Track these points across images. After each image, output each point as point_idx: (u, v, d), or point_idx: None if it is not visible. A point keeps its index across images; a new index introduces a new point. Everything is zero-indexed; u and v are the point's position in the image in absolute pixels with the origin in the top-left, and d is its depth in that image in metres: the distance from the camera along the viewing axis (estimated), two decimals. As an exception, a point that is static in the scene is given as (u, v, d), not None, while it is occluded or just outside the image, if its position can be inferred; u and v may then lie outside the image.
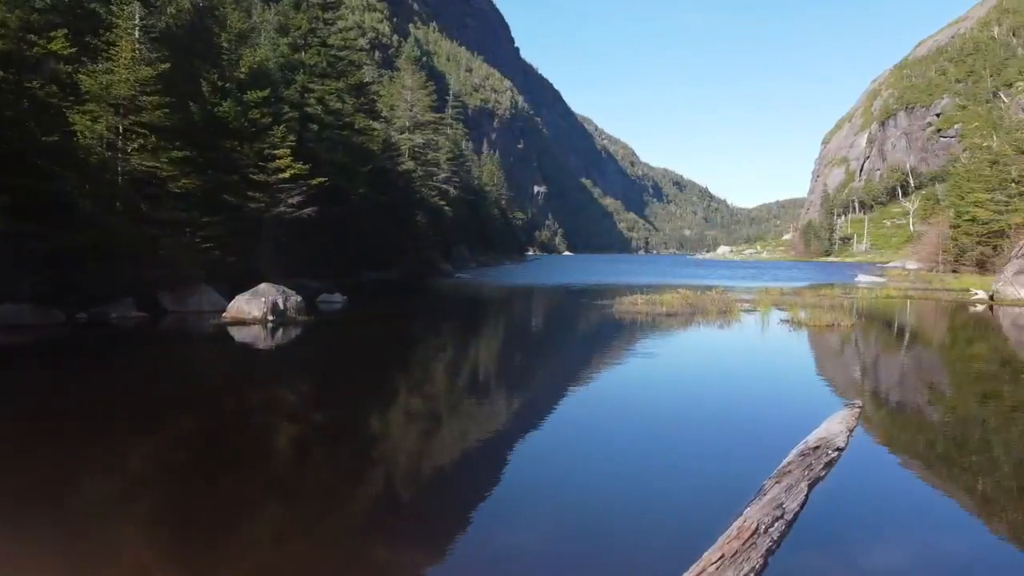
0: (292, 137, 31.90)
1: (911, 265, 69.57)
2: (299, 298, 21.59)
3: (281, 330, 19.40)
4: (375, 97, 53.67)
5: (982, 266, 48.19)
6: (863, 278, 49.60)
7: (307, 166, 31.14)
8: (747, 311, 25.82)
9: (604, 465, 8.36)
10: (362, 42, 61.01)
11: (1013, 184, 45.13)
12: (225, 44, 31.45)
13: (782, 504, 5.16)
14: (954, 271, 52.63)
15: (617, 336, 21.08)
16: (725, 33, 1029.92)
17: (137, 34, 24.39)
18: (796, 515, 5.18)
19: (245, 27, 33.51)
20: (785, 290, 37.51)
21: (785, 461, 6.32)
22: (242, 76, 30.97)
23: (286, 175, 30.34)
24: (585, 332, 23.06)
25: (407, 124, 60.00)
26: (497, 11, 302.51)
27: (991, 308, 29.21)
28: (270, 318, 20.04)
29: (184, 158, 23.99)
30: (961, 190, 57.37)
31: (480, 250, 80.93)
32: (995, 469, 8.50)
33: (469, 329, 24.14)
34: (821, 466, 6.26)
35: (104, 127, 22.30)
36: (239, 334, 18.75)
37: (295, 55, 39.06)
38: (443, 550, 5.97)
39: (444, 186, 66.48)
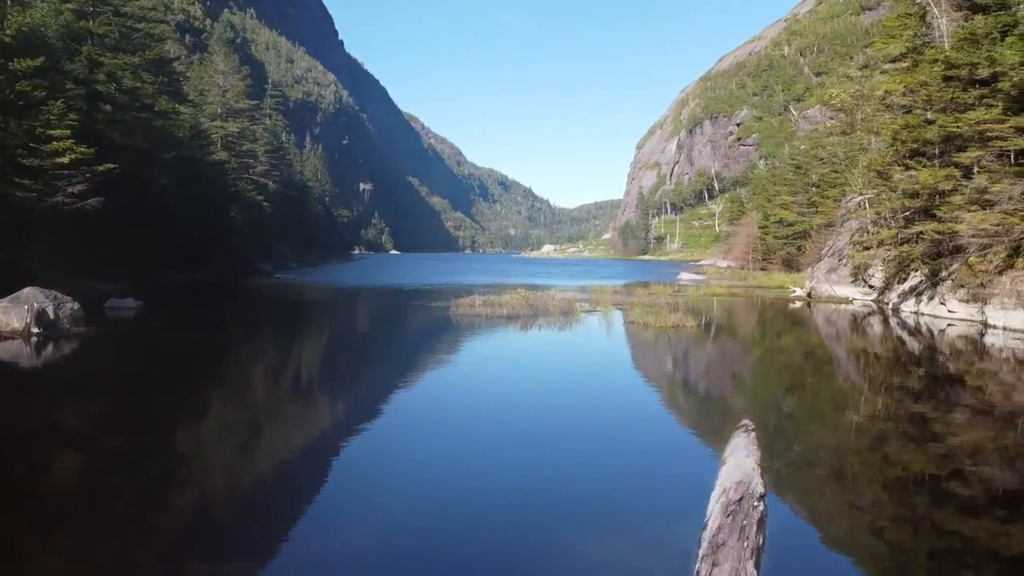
0: (74, 116, 27.25)
1: (723, 263, 74.21)
2: (75, 305, 17.91)
3: (50, 345, 15.86)
4: (180, 78, 48.45)
5: (788, 264, 51.88)
6: (685, 276, 51.67)
7: (92, 150, 26.72)
8: (588, 311, 25.16)
9: (438, 472, 7.95)
10: (166, 28, 54.55)
11: (814, 188, 48.68)
12: (-16, 1, 26.34)
13: (743, 610, 3.62)
14: (763, 268, 56.51)
15: (454, 343, 19.40)
16: (546, 37, 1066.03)
17: None
18: (763, 625, 3.67)
19: (11, -17, 28.31)
20: (617, 288, 37.87)
21: (714, 526, 4.83)
22: (8, 39, 25.99)
23: (65, 159, 25.78)
24: (420, 340, 21.17)
25: (219, 111, 55.12)
26: (321, 3, 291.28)
27: (808, 304, 30.77)
28: (35, 330, 16.34)
29: (-78, 133, 19.44)
30: (768, 192, 61.55)
31: (303, 249, 76.41)
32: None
33: (289, 338, 21.45)
34: (755, 528, 4.83)
35: None
36: (-9, 351, 15.05)
37: (80, 23, 33.88)
38: (262, 563, 5.61)
39: (262, 180, 61.82)
